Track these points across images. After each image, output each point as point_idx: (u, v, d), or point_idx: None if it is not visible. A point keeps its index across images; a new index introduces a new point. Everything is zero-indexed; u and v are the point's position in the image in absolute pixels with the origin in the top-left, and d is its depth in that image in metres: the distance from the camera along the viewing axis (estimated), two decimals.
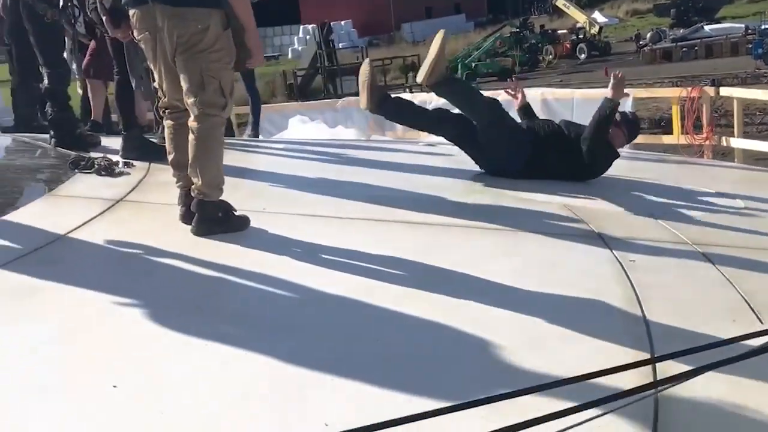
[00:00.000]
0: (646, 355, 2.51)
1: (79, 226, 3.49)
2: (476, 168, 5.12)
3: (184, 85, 3.36)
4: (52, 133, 5.40)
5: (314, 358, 2.40)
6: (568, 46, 44.76)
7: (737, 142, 8.26)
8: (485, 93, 5.61)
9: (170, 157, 3.58)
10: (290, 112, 11.63)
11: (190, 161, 3.38)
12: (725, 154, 9.12)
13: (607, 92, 4.93)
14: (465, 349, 2.55)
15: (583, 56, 43.84)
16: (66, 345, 2.45)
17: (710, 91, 8.60)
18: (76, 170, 4.43)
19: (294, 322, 2.69)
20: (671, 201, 4.73)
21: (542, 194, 4.62)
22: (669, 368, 2.23)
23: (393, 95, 5.09)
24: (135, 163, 4.79)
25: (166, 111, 3.58)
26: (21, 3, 5.32)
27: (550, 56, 44.43)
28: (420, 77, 4.85)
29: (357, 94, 5.26)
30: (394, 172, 5.14)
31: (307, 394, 2.22)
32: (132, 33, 3.46)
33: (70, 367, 2.31)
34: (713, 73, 33.36)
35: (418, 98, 10.47)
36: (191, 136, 3.37)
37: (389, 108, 5.00)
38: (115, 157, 4.84)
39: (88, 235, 3.40)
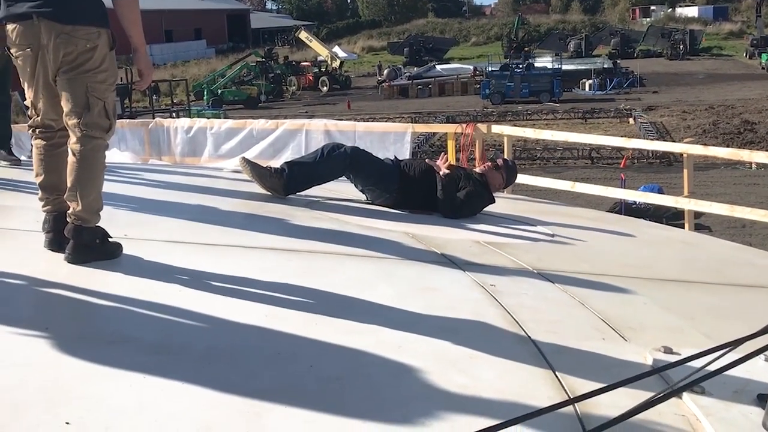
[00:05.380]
0: (549, 371, 2.74)
1: None
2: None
3: (66, 105, 3.17)
4: None
5: (259, 386, 2.36)
6: (311, 78, 46.02)
7: None
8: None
9: (39, 179, 3.31)
10: None
11: (69, 185, 3.16)
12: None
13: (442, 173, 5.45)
14: (390, 371, 2.61)
15: (325, 89, 45.26)
16: None
17: (483, 127, 9.22)
18: None
19: (220, 350, 2.61)
20: (489, 228, 5.12)
21: (381, 221, 4.82)
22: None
23: (285, 170, 5.19)
24: None
25: (37, 130, 3.33)
26: None
27: (294, 87, 45.40)
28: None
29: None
30: (225, 198, 5.09)
31: (265, 424, 2.19)
32: (7, 48, 3.18)
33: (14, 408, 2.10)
34: (447, 111, 35.90)
35: (181, 122, 10.45)
36: (72, 159, 3.15)
37: (294, 186, 5.21)
38: None
39: None
